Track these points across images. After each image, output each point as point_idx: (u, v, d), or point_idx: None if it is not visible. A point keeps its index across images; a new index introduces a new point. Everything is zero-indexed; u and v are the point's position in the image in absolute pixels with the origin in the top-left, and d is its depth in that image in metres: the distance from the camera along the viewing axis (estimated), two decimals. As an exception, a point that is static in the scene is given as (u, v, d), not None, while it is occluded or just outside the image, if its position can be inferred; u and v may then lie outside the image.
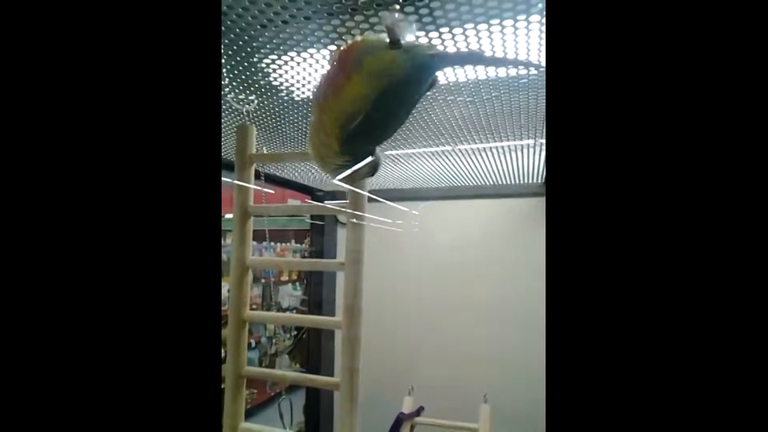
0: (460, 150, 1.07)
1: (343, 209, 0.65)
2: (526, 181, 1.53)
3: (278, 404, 1.04)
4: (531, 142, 1.00)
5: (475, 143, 1.01)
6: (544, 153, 1.12)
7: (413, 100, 0.48)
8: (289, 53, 0.63)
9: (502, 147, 1.05)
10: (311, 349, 1.86)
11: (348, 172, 0.53)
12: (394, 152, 1.11)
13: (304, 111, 0.84)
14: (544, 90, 0.70)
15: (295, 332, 2.97)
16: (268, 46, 0.60)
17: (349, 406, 0.64)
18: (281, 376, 0.75)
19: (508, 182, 1.56)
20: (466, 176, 1.48)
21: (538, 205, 1.60)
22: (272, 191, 1.47)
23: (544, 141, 0.98)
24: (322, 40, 0.57)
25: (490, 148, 1.05)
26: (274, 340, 3.26)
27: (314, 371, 1.75)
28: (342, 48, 0.48)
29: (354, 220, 0.65)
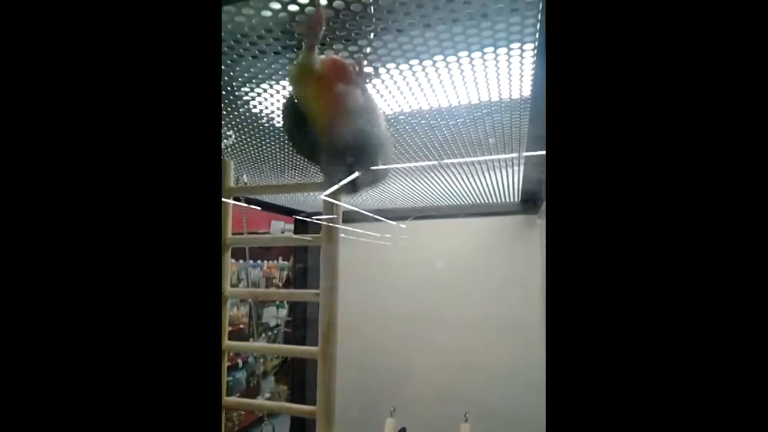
0: (443, 166, 1.09)
1: (318, 235, 0.67)
2: (505, 200, 1.57)
3: (261, 429, 1.05)
4: (515, 155, 1.03)
5: (460, 158, 1.03)
6: (522, 171, 1.16)
7: None
8: (261, 85, 0.66)
9: (485, 162, 1.07)
10: (295, 372, 1.86)
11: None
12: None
13: (283, 139, 0.86)
14: (522, 111, 0.73)
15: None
16: (240, 78, 0.63)
17: (326, 430, 0.65)
18: (259, 405, 0.76)
19: (488, 202, 1.60)
20: (448, 196, 1.51)
21: (518, 222, 1.64)
22: (258, 207, 1.48)
23: (525, 155, 1.01)
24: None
25: (473, 163, 1.08)
26: (261, 360, 3.23)
27: (299, 393, 1.75)
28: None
29: (328, 242, 0.66)
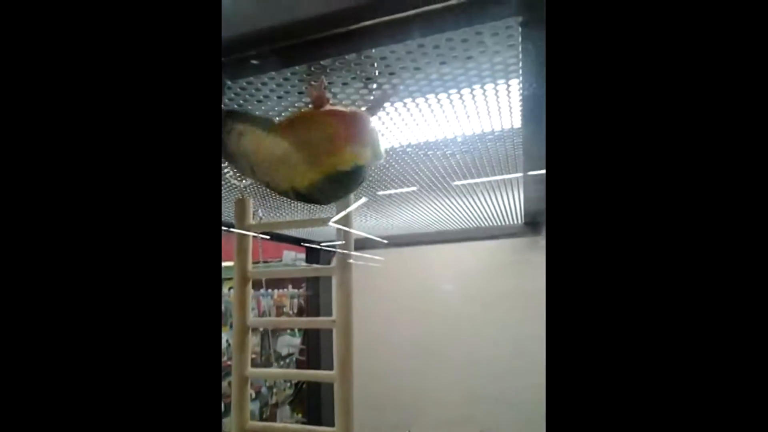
0: (444, 190, 1.13)
1: (331, 266, 0.72)
2: (507, 222, 1.62)
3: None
4: (512, 176, 1.06)
5: (459, 180, 1.08)
6: (522, 193, 1.20)
7: None
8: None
9: (485, 185, 1.10)
10: (311, 399, 1.88)
11: None
12: (382, 192, 1.18)
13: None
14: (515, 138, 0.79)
15: (296, 381, 2.95)
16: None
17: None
18: (282, 428, 0.80)
19: (491, 225, 1.65)
20: (451, 220, 1.56)
21: (522, 244, 1.68)
22: (267, 237, 1.54)
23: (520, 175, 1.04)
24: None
25: (473, 186, 1.11)
26: (274, 390, 3.22)
27: (315, 421, 1.77)
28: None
29: (341, 269, 0.71)
